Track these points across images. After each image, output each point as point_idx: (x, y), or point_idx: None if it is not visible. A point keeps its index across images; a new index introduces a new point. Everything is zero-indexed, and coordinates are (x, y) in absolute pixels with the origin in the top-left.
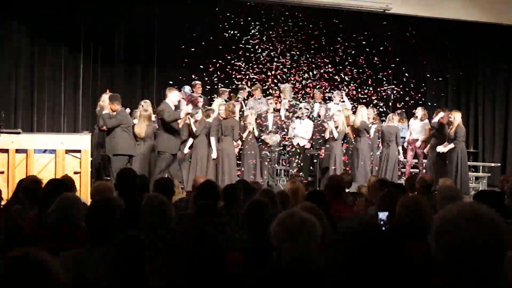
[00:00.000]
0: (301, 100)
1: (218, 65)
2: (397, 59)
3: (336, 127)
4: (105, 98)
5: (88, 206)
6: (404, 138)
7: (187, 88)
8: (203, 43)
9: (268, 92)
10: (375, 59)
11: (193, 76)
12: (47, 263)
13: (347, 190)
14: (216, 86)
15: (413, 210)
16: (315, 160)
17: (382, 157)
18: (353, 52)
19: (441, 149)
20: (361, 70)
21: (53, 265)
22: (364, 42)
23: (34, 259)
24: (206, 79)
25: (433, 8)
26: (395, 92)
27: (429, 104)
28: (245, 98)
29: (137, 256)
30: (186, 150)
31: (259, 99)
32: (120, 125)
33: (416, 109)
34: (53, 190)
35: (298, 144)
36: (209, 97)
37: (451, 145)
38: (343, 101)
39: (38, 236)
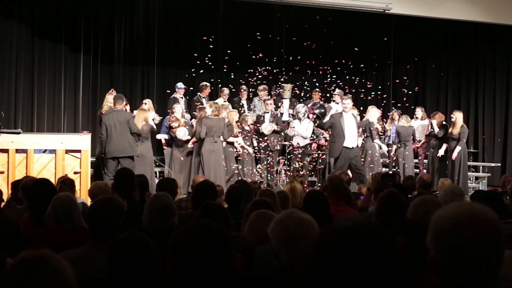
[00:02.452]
0: (299, 100)
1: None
2: (397, 59)
3: None
4: (110, 98)
5: (90, 205)
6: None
7: (179, 85)
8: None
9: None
10: (375, 59)
11: (191, 75)
12: (59, 263)
13: None
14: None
15: (424, 209)
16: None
17: (398, 157)
18: (352, 52)
19: (441, 152)
20: (361, 69)
21: (65, 265)
22: (364, 42)
23: (45, 260)
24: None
25: (433, 8)
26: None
27: (430, 104)
28: (242, 98)
29: (136, 255)
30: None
31: (263, 99)
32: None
33: (415, 110)
34: (44, 190)
35: (298, 144)
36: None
37: (458, 149)
38: (337, 103)
39: (37, 236)
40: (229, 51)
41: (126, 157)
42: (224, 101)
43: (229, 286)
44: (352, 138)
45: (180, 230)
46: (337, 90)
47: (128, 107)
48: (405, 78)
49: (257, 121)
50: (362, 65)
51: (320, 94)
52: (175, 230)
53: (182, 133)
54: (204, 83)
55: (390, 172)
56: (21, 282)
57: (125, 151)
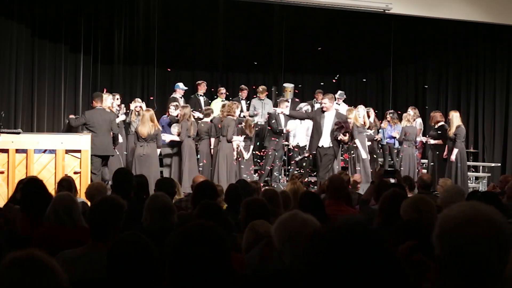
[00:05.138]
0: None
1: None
2: (397, 59)
3: None
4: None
5: (91, 205)
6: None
7: (181, 85)
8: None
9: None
10: (375, 59)
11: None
12: (49, 263)
13: None
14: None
15: (418, 209)
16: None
17: (404, 156)
18: (352, 52)
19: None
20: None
21: (54, 265)
22: (364, 42)
23: (36, 259)
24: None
25: (433, 8)
26: None
27: (429, 104)
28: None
29: (136, 255)
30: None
31: (263, 99)
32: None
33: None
34: (34, 189)
35: (298, 144)
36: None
37: (455, 151)
38: (338, 104)
39: (37, 236)
40: (229, 51)
41: (108, 156)
42: (222, 100)
43: (229, 286)
44: (326, 138)
45: (179, 230)
46: (339, 92)
47: (118, 101)
48: (405, 78)
49: (270, 118)
50: (362, 65)
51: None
52: (174, 230)
53: (175, 131)
54: (200, 81)
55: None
56: (12, 282)
57: (108, 150)
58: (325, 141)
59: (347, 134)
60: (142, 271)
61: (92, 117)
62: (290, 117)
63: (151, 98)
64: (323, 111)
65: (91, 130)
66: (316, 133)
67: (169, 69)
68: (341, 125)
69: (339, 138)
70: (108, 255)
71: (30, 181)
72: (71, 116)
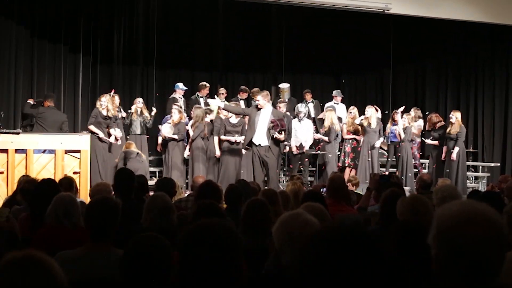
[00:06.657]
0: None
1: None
2: (397, 59)
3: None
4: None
5: (86, 206)
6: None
7: (181, 85)
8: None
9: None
10: (374, 59)
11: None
12: (47, 263)
13: None
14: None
15: (414, 209)
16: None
17: (404, 156)
18: (352, 52)
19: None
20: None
21: (53, 265)
22: (363, 42)
23: (34, 259)
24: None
25: (433, 8)
26: None
27: (429, 104)
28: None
29: (153, 257)
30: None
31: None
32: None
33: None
34: (46, 190)
35: (300, 144)
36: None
37: (456, 150)
38: (337, 103)
39: (37, 237)
40: (228, 51)
41: None
42: (222, 101)
43: (234, 286)
44: (261, 136)
45: (190, 229)
46: (335, 91)
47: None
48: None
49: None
50: (361, 65)
51: (310, 94)
52: (184, 229)
53: (166, 130)
54: (204, 83)
55: (386, 173)
56: (10, 282)
57: None
58: (261, 139)
59: (282, 133)
60: (158, 273)
61: (45, 114)
62: (225, 110)
63: (157, 94)
64: (259, 109)
65: (41, 126)
66: (250, 130)
67: (157, 94)
68: (276, 123)
69: (274, 137)
70: (124, 255)
71: (44, 183)
72: (29, 101)
